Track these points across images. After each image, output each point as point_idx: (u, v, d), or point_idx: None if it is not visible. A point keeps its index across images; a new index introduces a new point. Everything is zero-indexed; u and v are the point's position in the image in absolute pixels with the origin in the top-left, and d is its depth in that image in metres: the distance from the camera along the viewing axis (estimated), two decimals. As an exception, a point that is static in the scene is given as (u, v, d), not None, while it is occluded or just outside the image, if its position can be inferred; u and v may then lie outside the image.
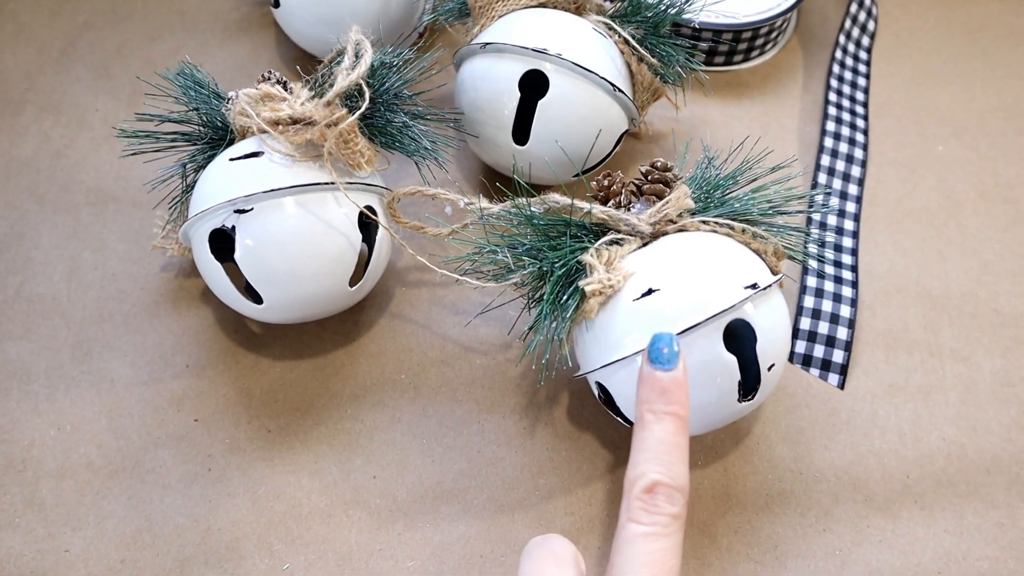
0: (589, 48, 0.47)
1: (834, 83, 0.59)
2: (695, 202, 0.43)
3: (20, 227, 0.52)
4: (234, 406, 0.46)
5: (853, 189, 0.55)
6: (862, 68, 0.60)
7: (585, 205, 0.43)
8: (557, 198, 0.44)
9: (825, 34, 0.62)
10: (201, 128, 0.46)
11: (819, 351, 0.49)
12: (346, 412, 0.46)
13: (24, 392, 0.47)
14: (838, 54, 0.60)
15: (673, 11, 0.49)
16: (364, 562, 0.42)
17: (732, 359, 0.39)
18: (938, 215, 0.55)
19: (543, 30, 0.47)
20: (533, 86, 0.47)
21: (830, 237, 0.53)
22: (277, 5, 0.53)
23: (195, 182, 0.46)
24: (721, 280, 0.39)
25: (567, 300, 0.40)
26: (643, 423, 0.35)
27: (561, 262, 0.40)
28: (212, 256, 0.43)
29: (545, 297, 0.41)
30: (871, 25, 0.61)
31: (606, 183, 0.43)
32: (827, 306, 0.50)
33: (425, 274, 0.50)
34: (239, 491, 0.44)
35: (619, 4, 0.50)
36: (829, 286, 0.51)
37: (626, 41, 0.48)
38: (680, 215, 0.43)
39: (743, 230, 0.42)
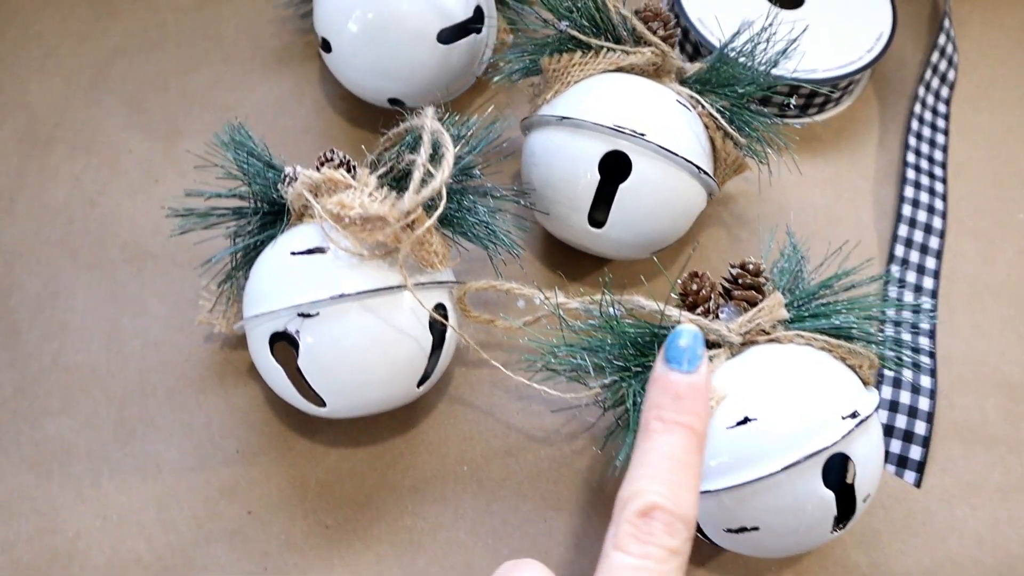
0: (674, 126, 0.43)
1: (912, 141, 0.55)
2: (787, 308, 0.41)
3: (54, 285, 0.49)
4: (289, 498, 0.44)
5: (931, 263, 0.52)
6: (940, 123, 0.57)
7: (673, 312, 0.40)
8: (643, 302, 0.41)
9: (901, 81, 0.59)
10: (255, 203, 0.43)
11: (896, 446, 0.47)
12: (407, 507, 0.44)
13: (67, 475, 0.44)
14: (917, 108, 0.56)
15: (760, 81, 0.45)
16: (428, 672, 0.41)
17: (830, 495, 0.37)
18: (1019, 292, 0.52)
19: (625, 103, 0.43)
20: (612, 164, 0.44)
21: (907, 314, 0.50)
22: (328, 50, 0.49)
23: (247, 259, 0.43)
24: (822, 410, 0.37)
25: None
26: (648, 432, 0.30)
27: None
28: (273, 359, 0.40)
29: (631, 423, 0.38)
30: (951, 74, 0.58)
31: (695, 287, 0.41)
32: (905, 397, 0.48)
33: (486, 352, 0.48)
34: (297, 592, 0.42)
35: (700, 67, 0.47)
36: (907, 374, 0.48)
37: (711, 115, 0.45)
38: (774, 326, 0.40)
39: (839, 345, 0.40)
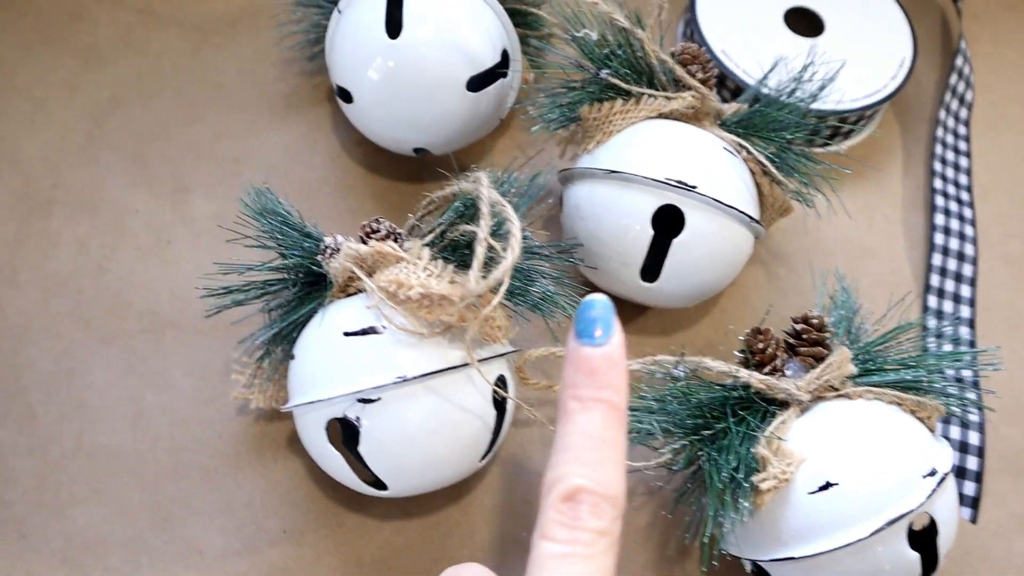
0: (723, 175, 0.42)
1: (937, 167, 0.55)
2: (853, 362, 0.40)
3: (69, 361, 0.46)
4: (342, 577, 0.42)
5: (966, 291, 0.52)
6: (963, 146, 0.56)
7: (743, 373, 0.39)
8: (710, 363, 0.40)
9: (920, 105, 0.58)
10: (292, 274, 0.41)
11: (948, 482, 0.47)
12: (466, 580, 0.43)
13: (103, 568, 0.42)
14: (939, 132, 0.56)
15: (805, 123, 0.44)
16: None
17: (915, 556, 0.36)
18: (1052, 316, 0.52)
19: (674, 154, 0.42)
20: (661, 216, 0.42)
21: (947, 347, 0.50)
22: (348, 100, 0.47)
23: (284, 332, 0.41)
24: (903, 471, 0.36)
25: (738, 495, 0.37)
26: (566, 414, 0.29)
27: (728, 454, 0.37)
28: (331, 445, 0.38)
29: (710, 491, 0.37)
30: (969, 95, 0.58)
31: (760, 346, 0.40)
32: (955, 433, 0.48)
33: (539, 411, 0.46)
34: None
35: (738, 107, 0.46)
36: (955, 409, 0.48)
37: (758, 162, 0.43)
38: (843, 382, 0.39)
39: (909, 399, 0.39)
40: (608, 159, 0.43)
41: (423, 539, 0.43)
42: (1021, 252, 0.54)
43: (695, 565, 0.44)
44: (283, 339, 0.42)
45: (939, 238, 0.53)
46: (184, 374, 0.46)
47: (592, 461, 0.28)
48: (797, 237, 0.52)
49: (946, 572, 0.45)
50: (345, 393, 0.36)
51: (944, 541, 0.38)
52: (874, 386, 0.39)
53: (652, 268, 0.43)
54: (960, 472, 0.47)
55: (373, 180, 0.52)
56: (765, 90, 0.46)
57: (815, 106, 0.46)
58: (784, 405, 0.40)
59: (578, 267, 0.45)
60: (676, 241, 0.42)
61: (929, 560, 0.38)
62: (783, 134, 0.43)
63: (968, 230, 0.53)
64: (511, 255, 0.33)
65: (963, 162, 0.56)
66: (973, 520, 0.46)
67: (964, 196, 0.55)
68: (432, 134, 0.47)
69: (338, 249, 0.39)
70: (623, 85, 0.43)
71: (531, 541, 0.27)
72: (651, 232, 0.42)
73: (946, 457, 0.38)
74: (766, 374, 0.40)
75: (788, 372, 0.40)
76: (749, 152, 0.43)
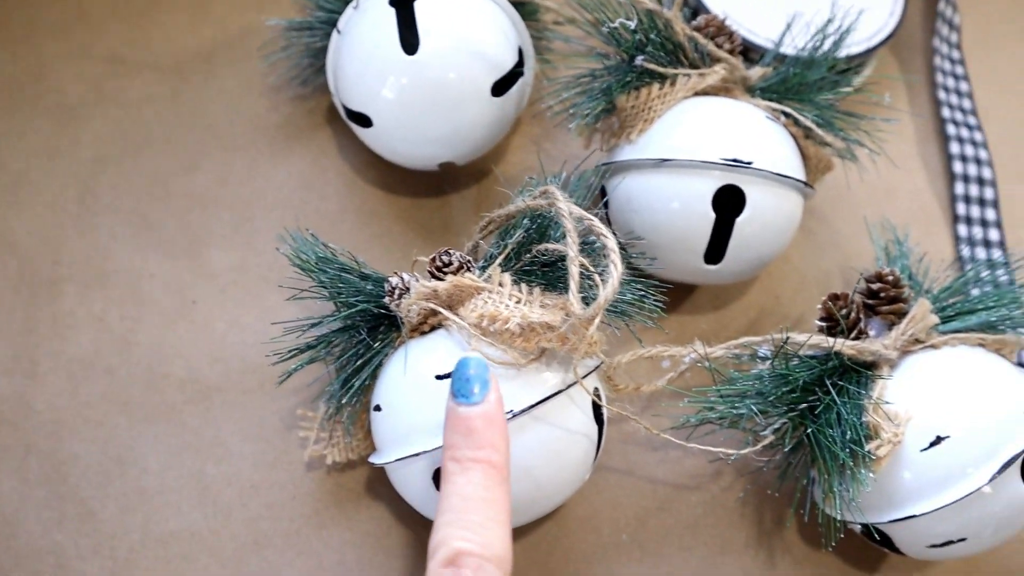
0: (774, 146, 0.41)
1: (942, 95, 0.55)
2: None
3: (115, 449, 0.43)
4: (453, 617, 0.41)
5: (991, 214, 0.53)
6: (960, 70, 0.57)
7: (833, 342, 0.38)
8: (797, 338, 0.39)
9: (911, 35, 0.58)
10: (357, 321, 0.39)
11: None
12: (578, 595, 0.42)
13: (203, 660, 0.39)
14: (936, 61, 0.56)
15: (836, 81, 0.44)
16: None
17: (1035, 495, 0.37)
18: (1078, 225, 0.53)
19: (721, 132, 0.41)
20: (721, 198, 0.41)
21: (985, 274, 0.51)
22: (367, 124, 0.44)
23: (357, 380, 0.39)
24: (1007, 412, 0.37)
25: (858, 464, 0.37)
26: (446, 476, 0.29)
27: (840, 427, 0.37)
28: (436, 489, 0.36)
29: (826, 464, 0.37)
30: (956, 18, 0.58)
31: (844, 312, 0.39)
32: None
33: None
34: None
35: (764, 72, 0.45)
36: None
37: (797, 123, 0.43)
38: (928, 334, 0.39)
39: (993, 340, 0.39)
40: (654, 147, 0.42)
41: (525, 559, 0.42)
42: (1032, 166, 0.55)
43: (794, 534, 0.44)
44: (356, 389, 0.39)
45: (957, 166, 0.53)
46: (242, 439, 0.44)
47: (473, 523, 0.28)
48: (823, 189, 0.52)
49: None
50: (448, 440, 0.34)
51: (1053, 470, 0.38)
52: (958, 331, 0.39)
53: (717, 250, 0.42)
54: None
55: (394, 201, 0.49)
56: (789, 51, 0.45)
57: (845, 54, 0.45)
58: (874, 366, 0.39)
59: (634, 261, 0.44)
60: (739, 220, 0.41)
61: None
62: (822, 94, 0.43)
63: (983, 153, 0.54)
64: (615, 272, 0.32)
65: (963, 86, 0.56)
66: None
67: (972, 120, 0.55)
68: (458, 146, 0.45)
69: (407, 288, 0.37)
70: (659, 69, 0.41)
71: None
72: (713, 215, 0.41)
73: (1036, 388, 0.38)
74: (853, 339, 0.39)
75: (872, 332, 0.40)
76: (789, 117, 0.43)
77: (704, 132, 0.41)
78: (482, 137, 0.45)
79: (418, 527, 0.42)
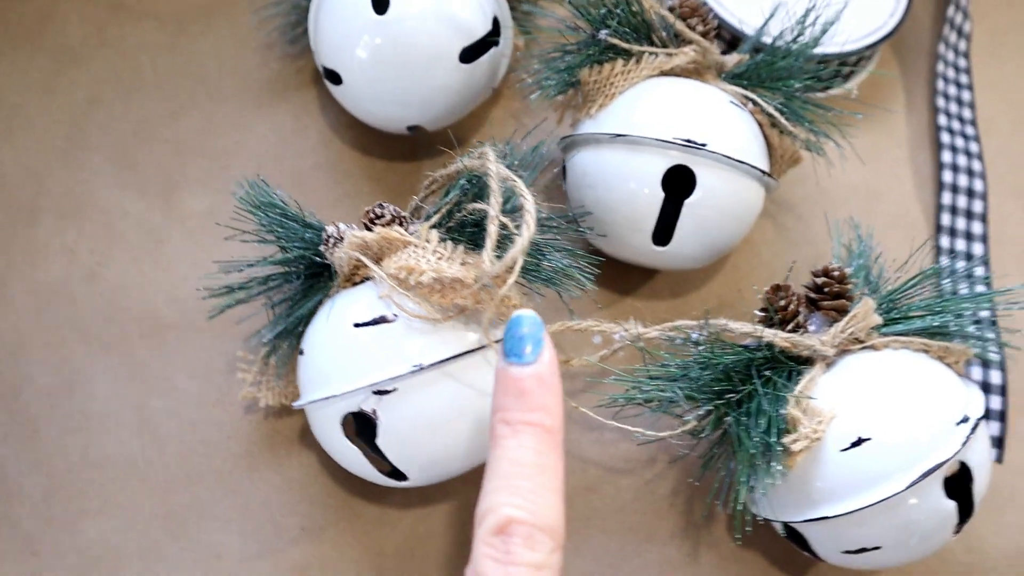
0: (732, 131, 0.41)
1: (940, 102, 0.54)
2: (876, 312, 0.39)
3: (68, 373, 0.45)
4: (367, 570, 0.41)
5: (977, 228, 0.51)
6: (964, 79, 0.55)
7: (767, 333, 0.38)
8: (731, 325, 0.39)
9: (916, 39, 0.57)
10: (295, 268, 0.39)
11: (975, 425, 0.46)
12: (494, 563, 0.42)
13: (119, 582, 0.41)
14: (940, 67, 0.55)
15: (811, 71, 0.43)
16: None
17: (952, 505, 0.36)
18: (1066, 248, 0.51)
19: (680, 113, 0.41)
20: (670, 177, 0.41)
21: (963, 288, 0.49)
22: (338, 82, 0.45)
23: (288, 326, 0.40)
24: (935, 420, 0.35)
25: (769, 457, 0.36)
26: (496, 440, 0.28)
27: (758, 417, 0.36)
28: (348, 441, 0.37)
29: (739, 455, 0.36)
30: (967, 26, 0.56)
31: (782, 303, 0.39)
32: (976, 373, 0.47)
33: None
34: (394, 673, 0.40)
35: (740, 59, 0.44)
36: (990, 355, 0.47)
37: (767, 114, 0.42)
38: (869, 334, 0.38)
39: (937, 345, 0.38)
40: (612, 123, 0.41)
41: (444, 526, 0.42)
42: (1028, 184, 0.53)
43: (723, 530, 0.43)
44: (289, 334, 0.40)
45: (947, 176, 0.52)
46: (188, 377, 0.45)
47: (525, 490, 0.26)
48: (802, 185, 0.51)
49: (977, 516, 0.44)
50: (360, 387, 0.35)
51: (979, 488, 0.37)
52: (900, 335, 0.38)
53: (664, 231, 0.41)
54: (985, 413, 0.46)
55: (368, 162, 0.50)
56: (767, 39, 0.44)
57: (817, 50, 0.45)
58: (809, 362, 0.38)
59: (587, 237, 0.44)
60: (688, 202, 0.40)
61: (964, 507, 0.37)
62: (789, 82, 0.42)
63: (976, 165, 0.52)
64: (527, 232, 0.32)
65: (965, 96, 0.54)
66: (999, 460, 0.45)
67: (969, 130, 0.53)
68: (426, 110, 0.45)
69: (341, 238, 0.38)
70: (623, 45, 0.41)
71: None
72: (661, 194, 0.40)
73: (977, 402, 0.37)
74: (789, 331, 0.38)
75: (811, 327, 0.39)
76: (756, 104, 0.42)
77: (661, 111, 0.41)
78: (450, 103, 0.45)
79: (341, 478, 0.43)
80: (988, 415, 0.46)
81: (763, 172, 0.41)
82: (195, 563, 0.41)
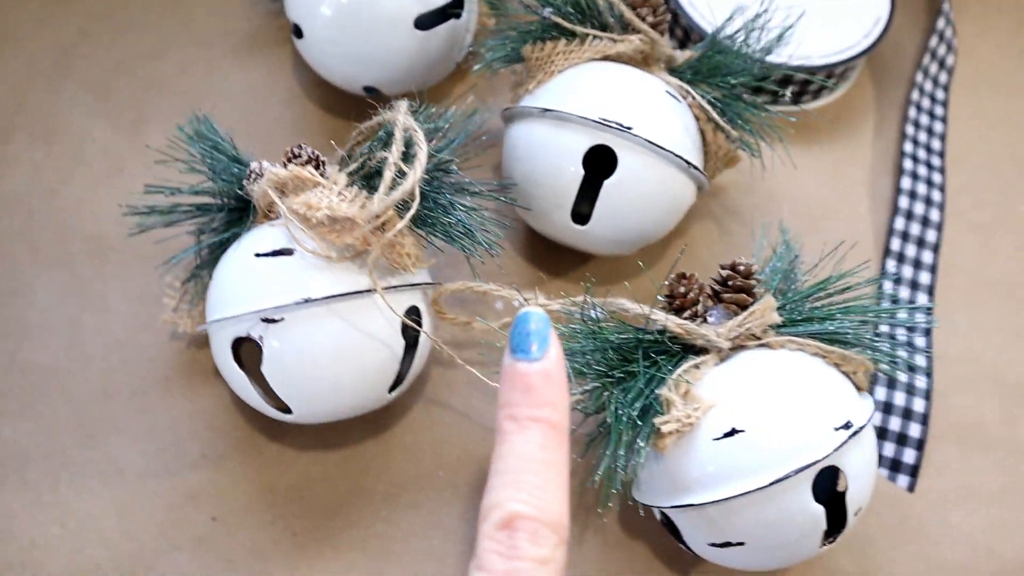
0: (663, 119, 0.41)
1: (910, 130, 0.53)
2: (779, 311, 0.39)
3: (13, 281, 0.47)
4: (256, 504, 0.42)
5: (928, 257, 0.50)
6: (939, 111, 0.54)
7: (659, 316, 0.38)
8: (627, 304, 0.39)
9: (899, 66, 0.56)
10: (220, 199, 0.41)
11: (888, 449, 0.45)
12: (379, 514, 0.42)
13: (23, 481, 0.42)
14: (915, 95, 0.54)
15: (753, 70, 0.43)
16: None
17: (819, 510, 0.35)
18: (1018, 288, 0.50)
19: (611, 95, 0.41)
20: (597, 159, 0.41)
21: (902, 314, 0.48)
22: (300, 35, 0.47)
23: (212, 257, 0.41)
24: (813, 421, 0.35)
25: (637, 436, 0.36)
26: (502, 435, 0.27)
27: (634, 397, 0.36)
28: (236, 365, 0.38)
29: (612, 432, 0.37)
30: (950, 59, 0.56)
31: (682, 290, 0.39)
32: (900, 399, 0.46)
33: (463, 353, 0.46)
34: (264, 604, 0.40)
35: (691, 55, 0.45)
36: (902, 376, 0.47)
37: (702, 107, 0.42)
38: (765, 331, 0.38)
39: (833, 351, 0.38)
40: (547, 99, 0.42)
41: (338, 471, 0.43)
42: (989, 220, 0.52)
43: (613, 517, 0.43)
44: (210, 263, 0.42)
45: (904, 201, 0.51)
46: (123, 299, 0.47)
47: (531, 485, 0.26)
48: (753, 193, 0.51)
49: (879, 540, 0.43)
50: (249, 311, 0.36)
51: (854, 497, 0.36)
52: (797, 336, 0.38)
53: (583, 210, 0.42)
54: (901, 439, 0.45)
55: (329, 120, 0.52)
56: (720, 37, 0.45)
57: (780, 61, 0.45)
58: (704, 352, 0.39)
59: (520, 214, 0.44)
60: (607, 182, 0.41)
61: (836, 517, 0.37)
62: (726, 79, 0.42)
63: (936, 195, 0.52)
64: (413, 175, 0.33)
65: (937, 127, 0.54)
66: (911, 488, 0.45)
67: (935, 161, 0.53)
68: (380, 72, 0.47)
69: (262, 174, 0.39)
70: (566, 25, 0.42)
71: (467, 573, 0.26)
72: (582, 172, 0.41)
73: (864, 412, 0.37)
74: (686, 319, 0.39)
75: (711, 319, 0.39)
76: (694, 98, 0.42)
77: (593, 91, 0.41)
78: (404, 68, 0.46)
79: (248, 414, 0.44)
80: (906, 441, 0.45)
81: (690, 164, 0.42)
82: (97, 474, 0.43)
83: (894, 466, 0.45)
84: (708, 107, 0.41)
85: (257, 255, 0.37)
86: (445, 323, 0.43)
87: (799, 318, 0.39)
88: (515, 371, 0.28)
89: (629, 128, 0.40)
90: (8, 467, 0.42)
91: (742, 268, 0.39)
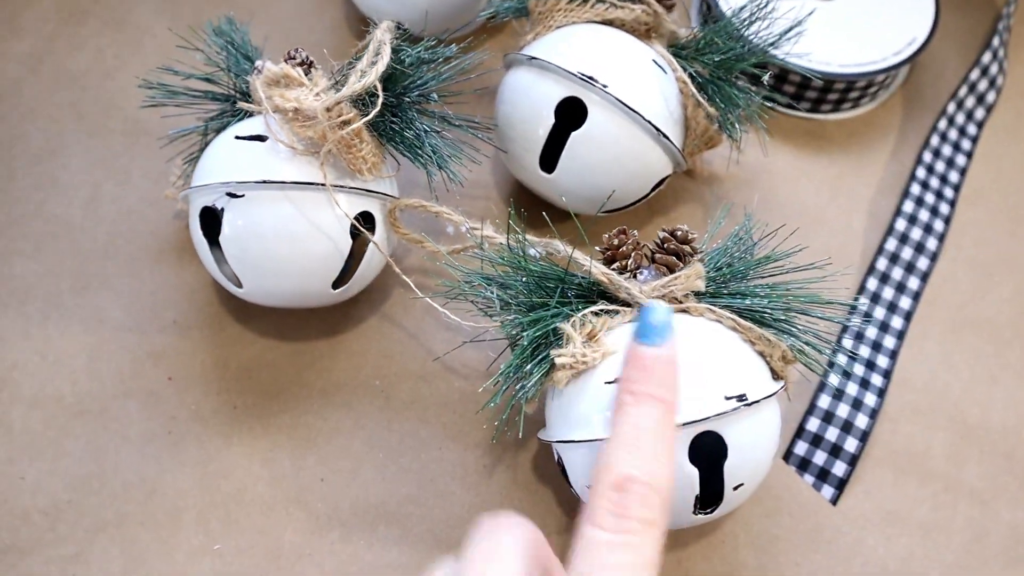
0: (642, 83, 0.43)
1: (927, 157, 0.52)
2: (707, 284, 0.39)
3: (55, 143, 0.52)
4: (208, 373, 0.46)
5: (913, 283, 0.49)
6: (966, 144, 0.53)
7: (586, 260, 0.39)
8: (559, 246, 0.40)
9: (935, 95, 0.55)
10: (230, 91, 0.45)
11: (820, 458, 0.45)
12: (312, 406, 0.45)
13: (20, 312, 0.47)
14: (942, 124, 0.53)
15: (751, 57, 0.44)
16: (292, 564, 0.42)
17: (693, 471, 0.36)
18: (1004, 331, 0.49)
19: (597, 53, 0.43)
20: (572, 113, 0.43)
21: (870, 332, 0.48)
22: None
23: (204, 132, 0.45)
24: (703, 385, 0.36)
25: (534, 367, 0.38)
26: (621, 407, 0.30)
27: (537, 326, 0.38)
28: (200, 232, 0.42)
29: (512, 358, 0.38)
30: (991, 96, 0.54)
31: (616, 242, 0.40)
32: (843, 411, 0.45)
33: (425, 279, 0.48)
34: (191, 461, 0.44)
35: (692, 34, 0.46)
36: (852, 389, 0.46)
37: (685, 81, 0.43)
38: (686, 296, 0.39)
39: (749, 328, 0.38)
40: (537, 49, 0.44)
41: (287, 361, 0.47)
42: (990, 260, 0.50)
43: (528, 458, 0.44)
44: (203, 143, 0.46)
45: (901, 224, 0.50)
46: (143, 175, 0.51)
47: (644, 452, 0.29)
48: (748, 189, 0.51)
49: (786, 542, 0.43)
50: (217, 182, 0.40)
51: (734, 471, 0.37)
52: (716, 307, 0.39)
53: (550, 157, 0.44)
54: (835, 450, 0.45)
55: (361, 51, 0.55)
56: (725, 19, 0.45)
57: (789, 60, 0.45)
58: (627, 306, 0.40)
59: (503, 161, 0.47)
60: (575, 134, 0.43)
61: (711, 486, 0.37)
62: (711, 56, 0.43)
63: (938, 225, 0.50)
64: (367, 78, 0.35)
65: (960, 159, 0.53)
66: (834, 501, 0.44)
67: (948, 192, 0.52)
68: (404, 10, 0.50)
69: (261, 71, 0.43)
70: (569, -18, 0.44)
71: (578, 526, 0.27)
72: (552, 120, 0.43)
73: (765, 390, 0.37)
74: (614, 270, 0.40)
75: (640, 277, 0.40)
76: (678, 71, 0.43)
77: (580, 48, 0.43)
78: (426, 8, 0.49)
79: (223, 296, 0.48)
80: (839, 454, 0.45)
81: (660, 132, 0.43)
82: (81, 320, 0.47)
83: (822, 475, 0.45)
84: (687, 79, 0.42)
85: (236, 137, 0.41)
86: (399, 239, 0.45)
87: (725, 292, 0.39)
88: (637, 352, 0.31)
89: (605, 86, 0.42)
90: (11, 298, 0.48)
91: (679, 233, 0.40)
